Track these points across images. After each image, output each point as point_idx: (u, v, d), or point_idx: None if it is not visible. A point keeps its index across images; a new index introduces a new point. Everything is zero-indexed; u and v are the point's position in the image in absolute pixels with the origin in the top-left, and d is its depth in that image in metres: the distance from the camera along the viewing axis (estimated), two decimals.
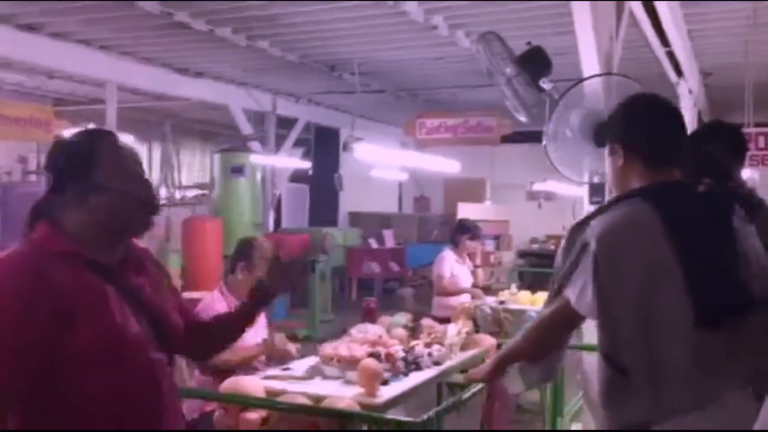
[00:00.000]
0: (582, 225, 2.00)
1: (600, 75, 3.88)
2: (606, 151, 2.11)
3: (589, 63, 3.84)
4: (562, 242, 2.09)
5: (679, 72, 7.94)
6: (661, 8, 5.69)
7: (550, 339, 2.17)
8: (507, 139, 10.02)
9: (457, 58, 8.53)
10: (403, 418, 2.50)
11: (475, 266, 6.46)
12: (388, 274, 12.81)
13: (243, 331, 2.13)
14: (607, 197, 3.41)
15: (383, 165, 12.11)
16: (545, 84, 3.77)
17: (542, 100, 3.80)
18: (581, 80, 3.86)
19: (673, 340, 1.84)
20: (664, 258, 1.85)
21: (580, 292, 1.94)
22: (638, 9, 5.36)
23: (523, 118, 3.89)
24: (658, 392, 1.84)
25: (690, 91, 8.40)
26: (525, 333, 2.27)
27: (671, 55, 7.31)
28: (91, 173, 1.65)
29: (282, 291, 2.13)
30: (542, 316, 2.19)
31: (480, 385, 2.50)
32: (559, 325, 2.10)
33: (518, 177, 14.10)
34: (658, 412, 1.84)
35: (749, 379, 1.88)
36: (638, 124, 2.06)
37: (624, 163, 2.03)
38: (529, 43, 3.93)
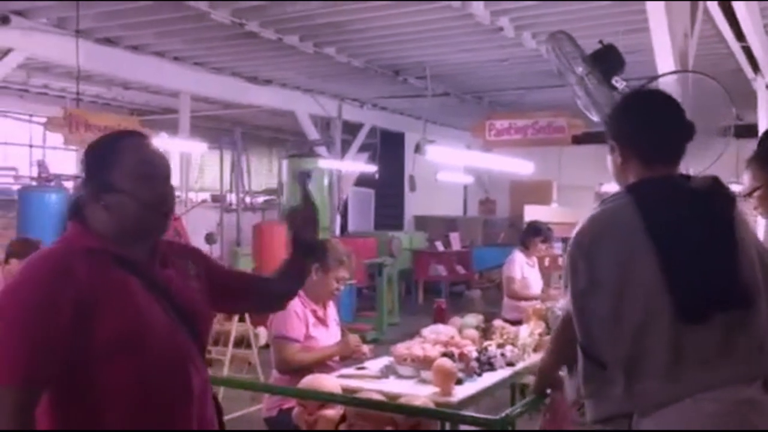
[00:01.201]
0: None
1: (674, 72, 3.82)
2: (608, 148, 2.11)
3: (664, 60, 3.77)
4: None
5: (755, 67, 7.68)
6: (737, 3, 5.53)
7: (566, 347, 2.13)
8: (575, 140, 9.89)
9: (522, 60, 8.49)
10: (480, 415, 2.52)
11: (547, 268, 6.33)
12: (454, 277, 12.78)
13: (301, 284, 2.25)
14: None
15: (450, 168, 12.10)
16: (618, 83, 3.73)
17: (615, 99, 3.76)
18: (654, 77, 3.80)
19: (648, 333, 1.83)
20: (640, 252, 1.85)
21: (565, 290, 1.99)
22: (713, 4, 5.23)
23: (595, 118, 3.85)
24: (632, 384, 1.83)
25: (767, 87, 8.11)
26: (548, 345, 2.29)
27: (747, 51, 7.08)
28: (107, 174, 1.70)
29: (311, 232, 2.18)
30: (560, 319, 2.22)
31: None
32: (569, 330, 2.07)
33: (586, 178, 13.84)
34: (633, 404, 1.84)
35: (755, 375, 1.84)
36: (632, 122, 2.05)
37: (622, 161, 2.04)
38: (601, 42, 3.90)
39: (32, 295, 1.57)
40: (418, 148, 8.43)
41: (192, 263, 1.92)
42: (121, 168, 1.70)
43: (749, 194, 2.44)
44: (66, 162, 12.13)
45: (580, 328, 1.94)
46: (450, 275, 12.60)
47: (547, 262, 10.08)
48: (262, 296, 2.19)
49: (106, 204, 1.69)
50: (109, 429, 1.62)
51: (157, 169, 1.76)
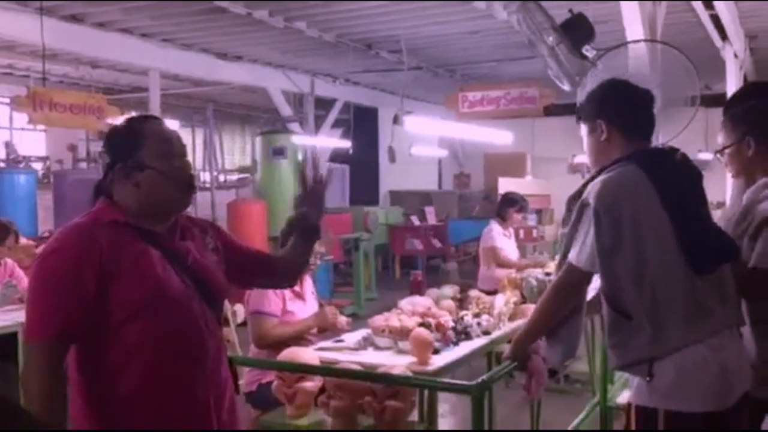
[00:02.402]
0: (577, 195, 2.22)
1: (641, 41, 3.84)
2: (585, 129, 2.33)
3: (633, 28, 3.80)
4: (563, 215, 2.30)
5: (723, 36, 7.76)
6: None
7: (559, 305, 2.30)
8: (547, 111, 9.94)
9: (494, 31, 8.48)
10: (457, 381, 2.55)
11: (522, 240, 6.35)
12: (430, 250, 12.83)
13: (307, 262, 2.45)
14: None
15: (425, 141, 12.07)
16: (588, 51, 3.75)
17: (585, 68, 3.78)
18: (618, 45, 3.83)
19: (669, 283, 2.04)
20: (653, 210, 2.07)
21: (580, 247, 2.15)
22: None
23: (566, 87, 3.88)
24: (658, 331, 2.03)
25: (735, 55, 8.21)
26: (537, 306, 2.39)
27: (716, 19, 7.14)
28: (136, 153, 1.87)
29: (317, 214, 2.41)
30: (550, 285, 2.35)
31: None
32: (566, 288, 2.25)
33: (560, 150, 13.92)
34: (658, 349, 2.03)
35: (739, 322, 2.15)
36: (619, 102, 2.30)
37: (605, 138, 2.27)
38: (570, 11, 3.91)
39: (60, 263, 1.77)
40: (396, 119, 8.43)
41: (210, 237, 2.10)
42: (152, 148, 1.88)
43: (720, 152, 2.51)
44: (34, 143, 11.94)
45: (606, 282, 2.11)
46: (426, 249, 12.65)
47: (522, 233, 10.17)
48: (273, 274, 2.35)
49: (138, 181, 1.87)
50: (128, 383, 1.80)
51: (176, 147, 1.95)
